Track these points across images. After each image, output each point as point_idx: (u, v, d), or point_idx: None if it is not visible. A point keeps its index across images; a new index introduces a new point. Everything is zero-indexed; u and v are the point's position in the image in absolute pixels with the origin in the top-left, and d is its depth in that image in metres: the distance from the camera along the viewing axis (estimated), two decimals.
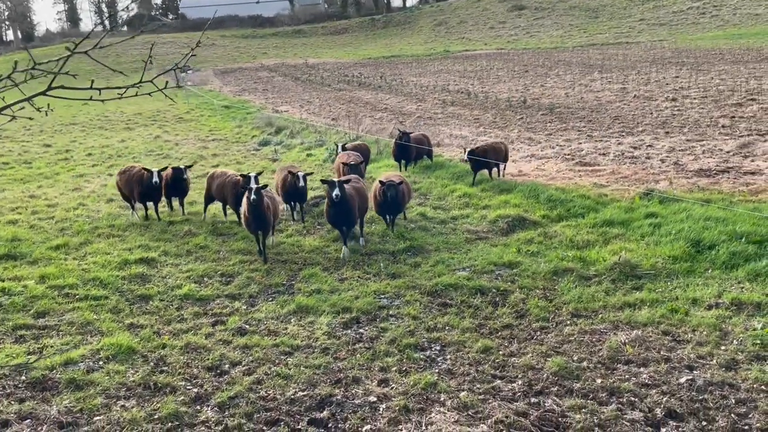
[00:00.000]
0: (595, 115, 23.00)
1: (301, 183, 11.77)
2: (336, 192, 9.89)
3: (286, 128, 23.09)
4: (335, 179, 10.21)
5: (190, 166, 13.23)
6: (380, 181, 11.00)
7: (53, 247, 10.66)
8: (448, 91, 33.18)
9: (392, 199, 10.86)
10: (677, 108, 22.93)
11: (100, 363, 6.75)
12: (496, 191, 13.52)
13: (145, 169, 12.45)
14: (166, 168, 12.85)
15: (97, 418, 5.73)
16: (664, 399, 5.83)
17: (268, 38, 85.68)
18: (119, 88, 2.95)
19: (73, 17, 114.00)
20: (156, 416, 5.73)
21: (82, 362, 6.75)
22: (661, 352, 6.73)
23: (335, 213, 10.24)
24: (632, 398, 5.88)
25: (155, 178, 12.18)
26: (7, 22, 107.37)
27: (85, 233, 11.49)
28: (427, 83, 37.29)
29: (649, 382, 6.15)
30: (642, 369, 6.42)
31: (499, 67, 44.72)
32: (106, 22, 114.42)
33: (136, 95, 2.92)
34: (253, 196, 9.75)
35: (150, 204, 12.80)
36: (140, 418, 5.66)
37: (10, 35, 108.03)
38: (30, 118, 3.05)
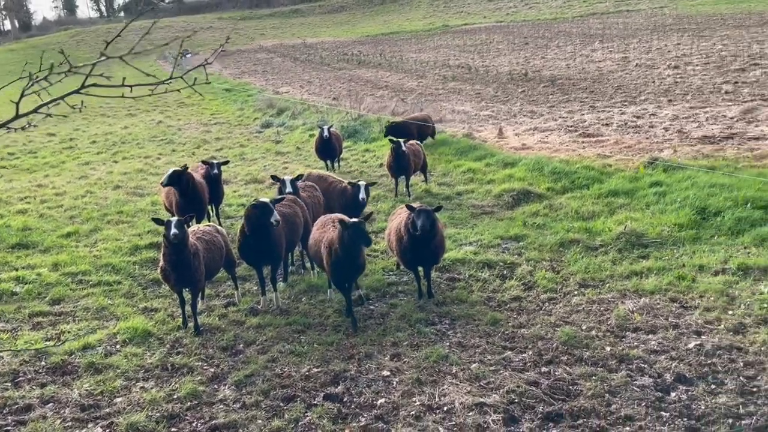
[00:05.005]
0: (597, 86, 22.87)
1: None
2: (272, 216, 7.28)
3: (287, 109, 23.06)
4: (267, 199, 7.59)
5: (225, 162, 11.36)
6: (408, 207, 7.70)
7: (64, 234, 10.77)
8: (449, 66, 32.97)
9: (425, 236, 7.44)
10: (680, 75, 22.76)
11: (118, 346, 6.89)
12: (500, 165, 13.53)
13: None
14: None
15: (118, 399, 5.87)
16: (673, 364, 5.93)
17: (265, 19, 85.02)
18: (150, 85, 3.01)
19: (69, 5, 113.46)
20: (175, 396, 5.87)
21: (99, 346, 6.89)
22: (669, 319, 6.82)
23: (250, 245, 7.60)
24: (641, 365, 5.98)
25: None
26: (3, 12, 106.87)
27: (95, 220, 11.59)
28: (427, 59, 37.05)
29: (658, 349, 6.25)
30: (650, 336, 6.51)
31: (499, 40, 44.33)
32: (103, 9, 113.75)
33: (166, 92, 2.98)
34: (173, 232, 6.74)
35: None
36: (160, 398, 5.80)
37: (7, 25, 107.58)
38: (65, 116, 3.14)
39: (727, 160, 11.94)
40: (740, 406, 5.23)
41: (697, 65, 24.40)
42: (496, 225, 10.32)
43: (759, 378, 5.62)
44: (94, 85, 2.91)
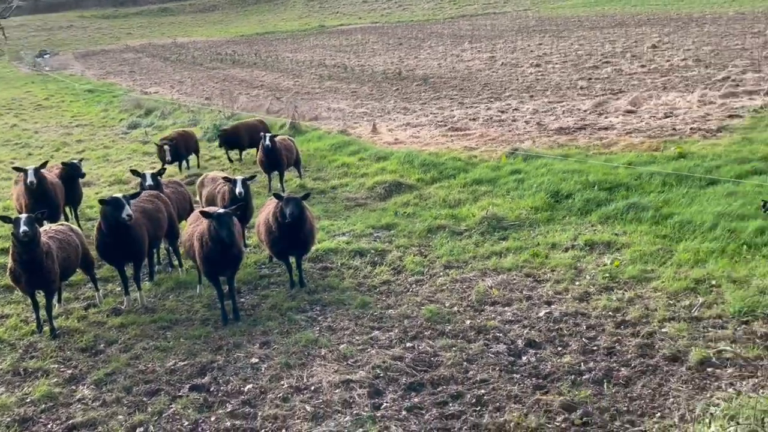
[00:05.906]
0: (466, 84, 23.84)
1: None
2: (125, 212, 7.00)
3: (156, 109, 22.23)
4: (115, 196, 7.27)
5: (80, 160, 10.70)
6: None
7: None
8: (325, 65, 33.10)
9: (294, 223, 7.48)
10: (541, 73, 24.21)
11: None
12: (374, 159, 13.81)
13: (18, 168, 9.63)
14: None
15: None
16: (525, 331, 6.38)
17: (131, 18, 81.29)
18: None
19: None
20: (28, 399, 5.59)
21: None
22: (524, 292, 7.31)
23: (108, 243, 7.35)
24: (497, 334, 6.38)
25: (31, 179, 9.02)
26: None
27: None
28: (303, 59, 36.99)
29: (513, 319, 6.69)
30: (506, 308, 6.95)
31: (374, 40, 45.05)
32: None
33: None
34: (22, 229, 6.29)
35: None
36: (11, 403, 5.50)
37: None
38: None
39: (579, 148, 12.88)
40: (581, 364, 5.72)
41: (556, 63, 26.06)
42: (368, 216, 10.55)
43: (599, 338, 6.16)
44: None
